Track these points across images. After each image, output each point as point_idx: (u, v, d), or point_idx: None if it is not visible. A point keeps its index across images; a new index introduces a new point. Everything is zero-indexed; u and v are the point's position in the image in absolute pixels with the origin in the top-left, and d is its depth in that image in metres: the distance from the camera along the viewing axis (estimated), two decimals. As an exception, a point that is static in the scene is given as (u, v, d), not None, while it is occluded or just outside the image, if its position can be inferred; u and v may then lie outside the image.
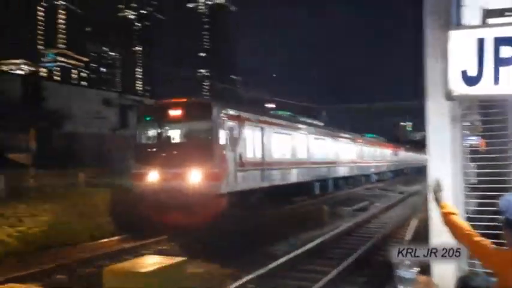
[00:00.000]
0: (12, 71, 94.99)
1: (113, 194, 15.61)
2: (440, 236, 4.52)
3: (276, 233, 13.00)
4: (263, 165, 16.13)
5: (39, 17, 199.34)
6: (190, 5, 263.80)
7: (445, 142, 4.76)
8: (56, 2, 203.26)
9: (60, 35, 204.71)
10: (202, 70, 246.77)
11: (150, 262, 6.65)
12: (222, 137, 13.70)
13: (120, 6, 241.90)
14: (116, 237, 13.27)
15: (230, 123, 14.18)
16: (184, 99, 15.07)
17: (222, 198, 13.43)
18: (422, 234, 7.65)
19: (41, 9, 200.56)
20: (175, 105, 14.43)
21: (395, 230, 14.15)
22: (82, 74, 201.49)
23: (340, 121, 52.23)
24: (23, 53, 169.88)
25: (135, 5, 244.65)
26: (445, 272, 4.55)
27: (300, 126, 21.62)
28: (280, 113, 24.02)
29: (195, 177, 13.08)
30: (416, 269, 4.18)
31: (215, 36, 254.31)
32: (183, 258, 6.96)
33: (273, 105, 47.23)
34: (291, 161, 19.22)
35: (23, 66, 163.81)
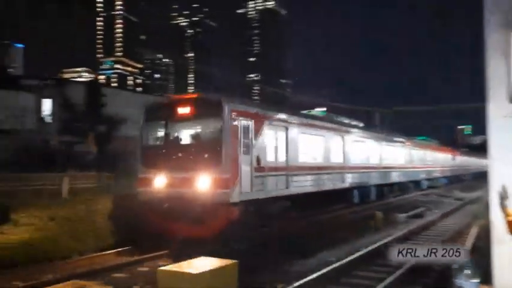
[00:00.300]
0: (74, 79, 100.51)
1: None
2: (502, 243, 4.31)
3: (324, 239, 12.74)
4: (288, 169, 14.35)
5: (98, 27, 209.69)
6: (240, 11, 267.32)
7: (508, 145, 4.53)
8: (113, 12, 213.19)
9: (117, 44, 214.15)
10: (252, 75, 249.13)
11: (203, 264, 6.81)
12: (234, 137, 12.01)
13: (173, 14, 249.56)
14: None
15: (245, 122, 12.46)
16: (193, 95, 13.51)
17: (234, 207, 11.72)
18: (483, 242, 7.29)
19: (100, 19, 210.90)
20: (182, 103, 12.80)
21: (454, 237, 13.56)
22: (137, 80, 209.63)
23: (394, 124, 50.81)
24: (84, 61, 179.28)
25: (187, 12, 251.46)
26: (509, 282, 4.32)
27: (335, 126, 19.43)
28: (314, 112, 22.44)
29: (202, 183, 11.53)
30: (477, 279, 4.00)
31: (265, 41, 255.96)
32: (235, 261, 7.03)
33: (324, 109, 46.78)
34: (323, 165, 17.23)
35: (83, 74, 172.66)
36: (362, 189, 21.19)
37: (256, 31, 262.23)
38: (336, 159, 18.53)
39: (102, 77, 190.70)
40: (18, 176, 18.93)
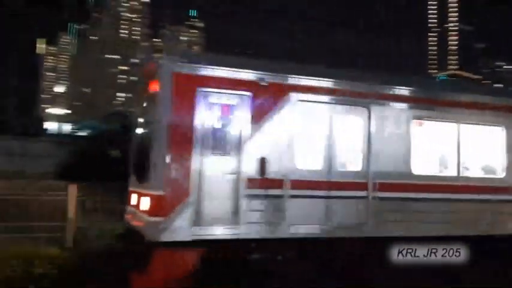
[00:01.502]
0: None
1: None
2: None
3: None
4: (368, 188, 7.88)
5: (430, 42, 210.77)
6: None
7: None
8: (446, 25, 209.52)
9: (451, 57, 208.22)
10: None
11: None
12: (182, 122, 6.99)
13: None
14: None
15: (220, 96, 7.30)
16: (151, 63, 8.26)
17: (176, 252, 6.74)
18: None
19: (433, 34, 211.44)
20: (145, 75, 8.21)
21: None
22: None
23: None
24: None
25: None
26: None
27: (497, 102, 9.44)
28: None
29: (142, 204, 7.24)
30: None
31: None
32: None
33: None
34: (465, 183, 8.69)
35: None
36: None
37: None
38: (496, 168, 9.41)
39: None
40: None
